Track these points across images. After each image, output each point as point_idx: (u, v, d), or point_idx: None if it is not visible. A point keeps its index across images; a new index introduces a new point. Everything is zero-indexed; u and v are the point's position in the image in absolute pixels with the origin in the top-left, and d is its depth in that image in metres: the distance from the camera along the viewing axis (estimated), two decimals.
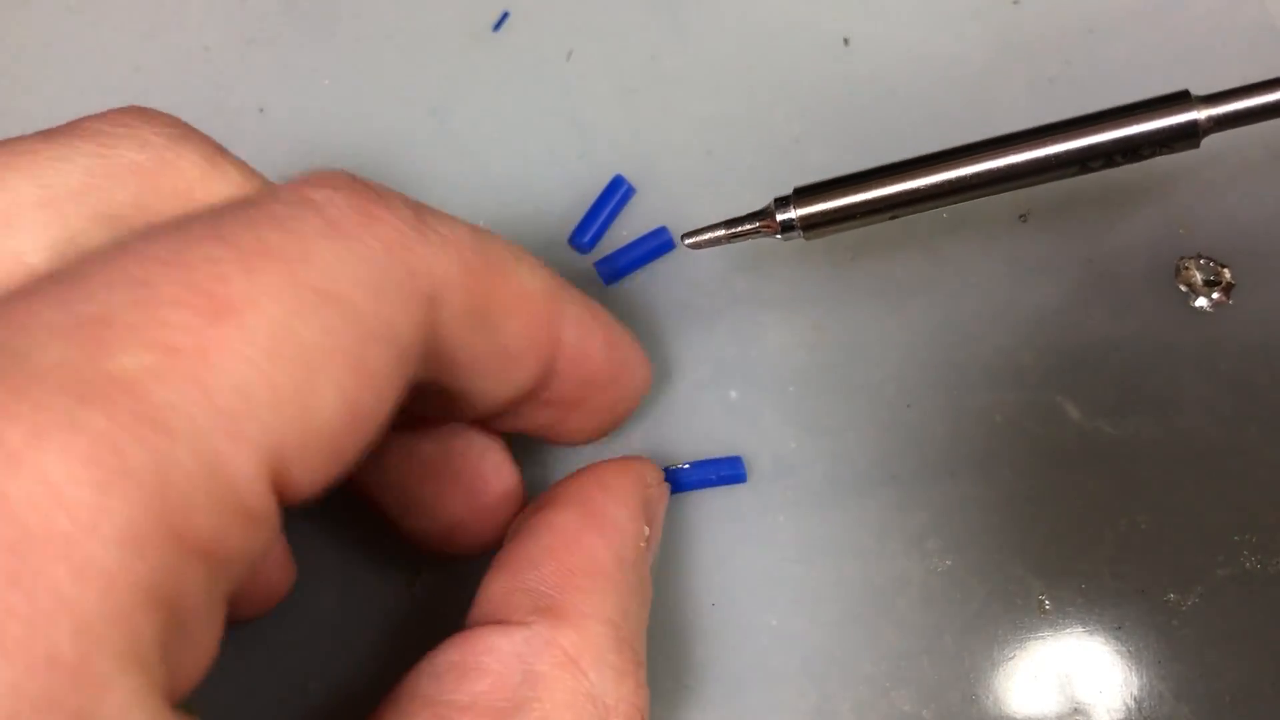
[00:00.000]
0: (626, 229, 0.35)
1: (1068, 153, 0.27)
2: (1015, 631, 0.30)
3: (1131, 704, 0.29)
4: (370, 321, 0.19)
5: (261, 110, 0.37)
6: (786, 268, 0.34)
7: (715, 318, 0.34)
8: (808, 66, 0.36)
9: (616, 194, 0.35)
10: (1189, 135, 0.27)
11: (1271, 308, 0.32)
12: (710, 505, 0.32)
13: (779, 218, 0.29)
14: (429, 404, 0.24)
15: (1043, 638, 0.30)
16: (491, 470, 0.28)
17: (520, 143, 0.36)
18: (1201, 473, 0.31)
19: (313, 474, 0.18)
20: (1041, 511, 0.31)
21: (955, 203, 0.28)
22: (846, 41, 0.36)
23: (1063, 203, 0.33)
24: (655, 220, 0.35)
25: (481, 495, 0.28)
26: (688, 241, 0.30)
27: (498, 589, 0.24)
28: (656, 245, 0.34)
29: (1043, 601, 0.30)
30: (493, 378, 0.23)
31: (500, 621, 0.23)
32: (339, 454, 0.18)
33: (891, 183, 0.28)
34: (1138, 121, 0.27)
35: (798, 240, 0.30)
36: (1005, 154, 0.27)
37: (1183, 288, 0.32)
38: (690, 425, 0.33)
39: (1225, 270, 0.32)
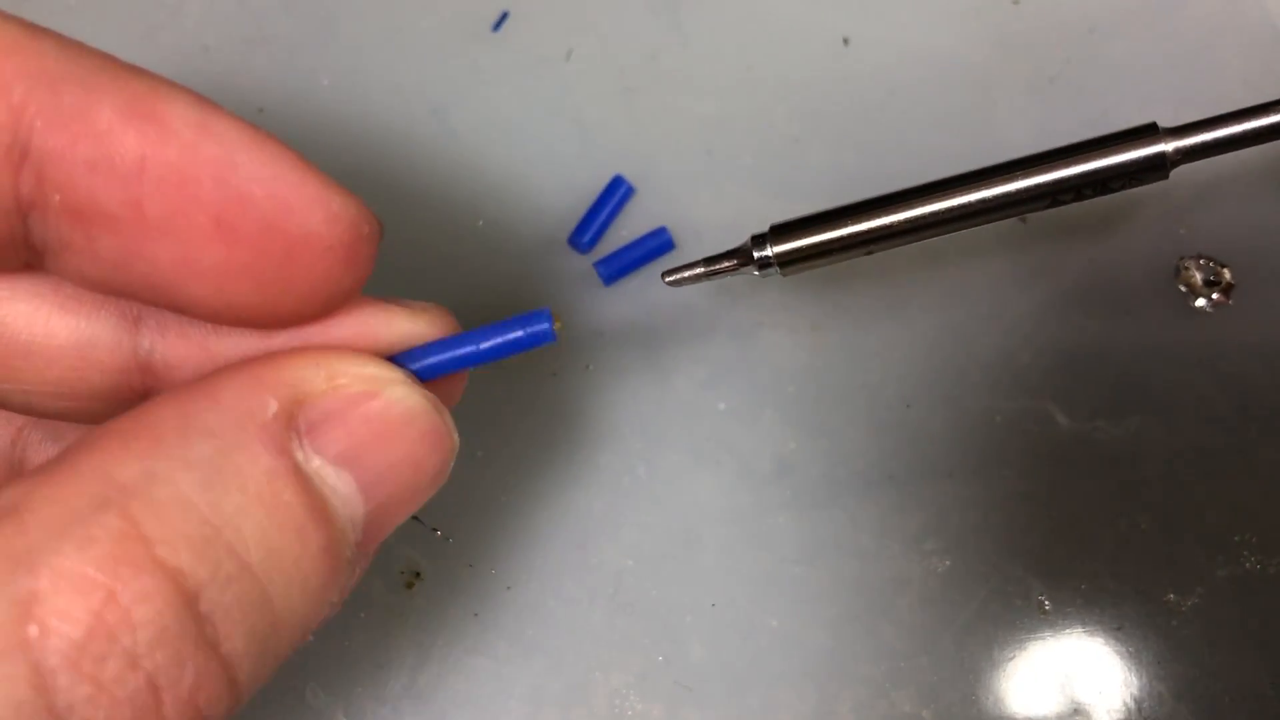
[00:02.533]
0: (626, 229, 0.35)
1: (1037, 187, 0.27)
2: (1015, 632, 0.30)
3: (1131, 704, 0.29)
4: None
5: (261, 110, 0.37)
6: None
7: (715, 318, 0.34)
8: (808, 66, 0.36)
9: (616, 194, 0.35)
10: (1158, 167, 0.27)
11: (1272, 308, 0.32)
12: (710, 505, 0.32)
13: (755, 255, 0.29)
14: None
15: (1042, 638, 0.30)
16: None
17: (520, 143, 0.36)
18: (1201, 473, 0.31)
19: None
20: (1041, 512, 0.31)
21: (929, 238, 0.29)
22: (846, 41, 0.36)
23: None
24: (655, 220, 0.35)
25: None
26: (667, 280, 0.30)
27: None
28: (656, 245, 0.34)
29: (1042, 602, 0.30)
30: None
31: None
32: None
33: (864, 219, 0.28)
34: (1107, 155, 0.27)
35: None
36: (976, 189, 0.28)
37: (1182, 288, 0.32)
38: (689, 425, 0.33)
39: (1225, 270, 0.32)
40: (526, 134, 0.36)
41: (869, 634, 0.31)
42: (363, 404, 0.20)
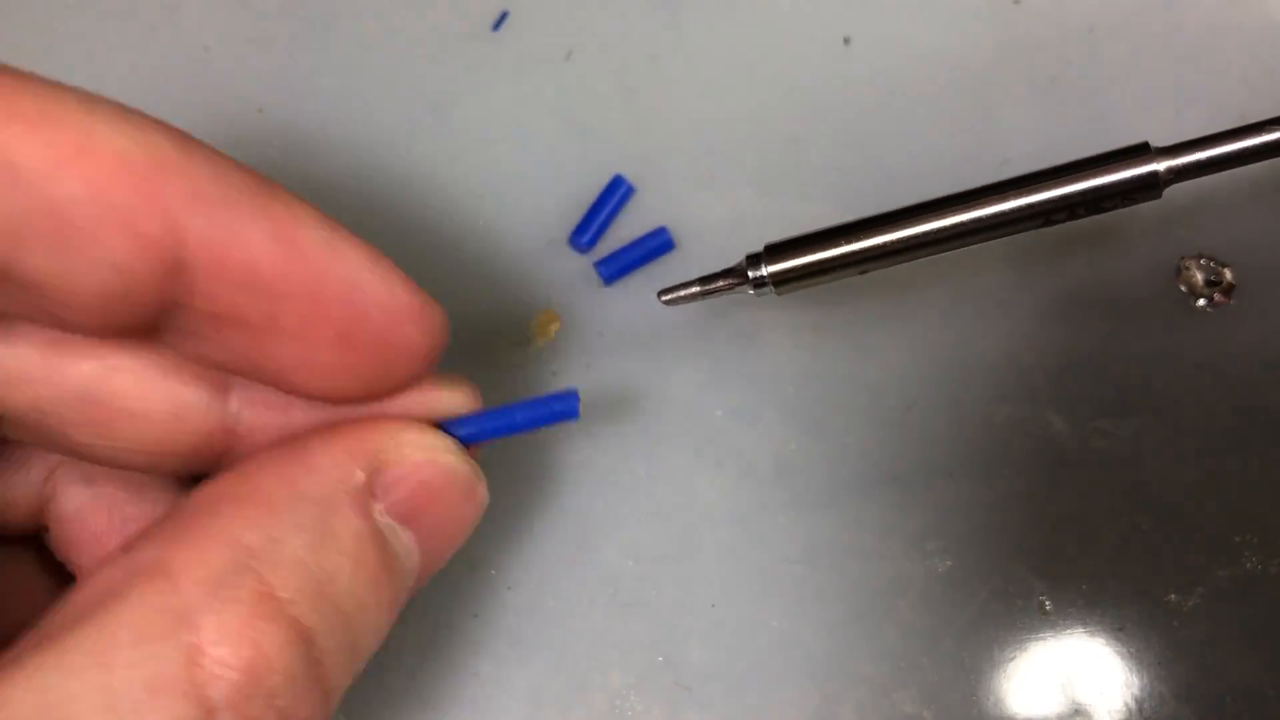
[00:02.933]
0: (626, 229, 0.35)
1: (1030, 207, 0.28)
2: (1016, 633, 0.30)
3: (1133, 705, 0.29)
4: None
5: (261, 110, 0.37)
6: None
7: (715, 318, 0.34)
8: (808, 66, 0.36)
9: (616, 194, 0.35)
10: (1150, 186, 0.27)
11: (1273, 308, 0.32)
12: (711, 505, 0.32)
13: (751, 274, 0.29)
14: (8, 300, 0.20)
15: (1044, 639, 0.30)
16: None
17: (520, 143, 0.36)
18: (1202, 473, 0.31)
19: None
20: (1042, 512, 0.31)
21: (922, 257, 0.29)
22: (847, 41, 0.36)
23: None
24: (655, 220, 0.34)
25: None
26: (664, 298, 0.30)
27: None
28: (656, 245, 0.34)
29: (1044, 602, 0.30)
30: (52, 253, 0.19)
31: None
32: None
33: (859, 239, 0.29)
34: (1099, 174, 0.27)
35: None
36: (970, 209, 0.28)
37: (1183, 288, 0.32)
38: (689, 425, 0.33)
39: (1226, 270, 0.32)
40: (526, 134, 0.36)
41: (870, 634, 0.31)
42: (424, 470, 0.23)
